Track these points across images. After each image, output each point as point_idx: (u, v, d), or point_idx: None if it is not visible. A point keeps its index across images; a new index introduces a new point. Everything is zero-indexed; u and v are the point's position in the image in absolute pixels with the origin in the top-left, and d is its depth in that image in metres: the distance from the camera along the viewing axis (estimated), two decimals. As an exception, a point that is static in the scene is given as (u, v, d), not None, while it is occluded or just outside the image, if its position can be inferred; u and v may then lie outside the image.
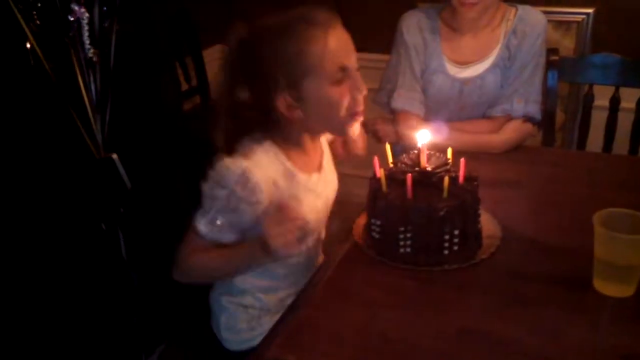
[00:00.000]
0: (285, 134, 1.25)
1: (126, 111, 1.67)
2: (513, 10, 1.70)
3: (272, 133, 1.25)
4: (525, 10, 1.70)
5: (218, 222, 1.20)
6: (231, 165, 1.18)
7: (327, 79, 1.17)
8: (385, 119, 1.77)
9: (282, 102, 1.19)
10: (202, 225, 1.21)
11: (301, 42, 1.15)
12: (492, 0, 1.63)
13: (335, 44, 1.17)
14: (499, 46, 1.70)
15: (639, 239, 1.03)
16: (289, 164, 1.24)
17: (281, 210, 1.11)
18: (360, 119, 1.24)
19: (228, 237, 1.22)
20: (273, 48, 1.16)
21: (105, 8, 1.68)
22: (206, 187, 1.21)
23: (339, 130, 1.26)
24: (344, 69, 1.18)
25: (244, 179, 1.17)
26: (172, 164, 1.58)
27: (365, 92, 1.21)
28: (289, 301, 1.32)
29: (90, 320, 1.84)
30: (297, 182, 1.26)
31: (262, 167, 1.20)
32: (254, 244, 1.15)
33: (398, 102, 1.74)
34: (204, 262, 1.23)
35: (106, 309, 1.84)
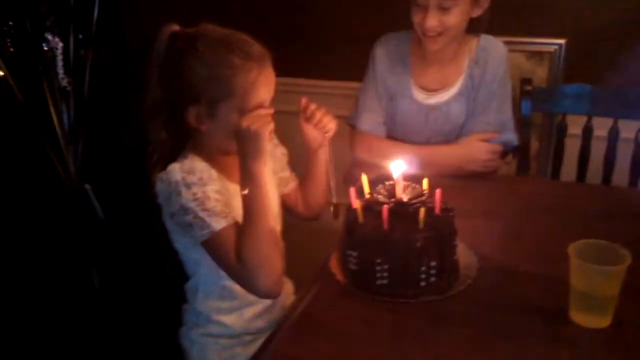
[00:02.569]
0: (204, 143, 1.27)
1: (101, 141, 1.64)
2: (475, 40, 1.73)
3: (193, 145, 1.27)
4: (486, 40, 1.74)
5: (216, 209, 1.18)
6: (167, 171, 1.21)
7: (242, 109, 1.20)
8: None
9: (192, 113, 1.22)
10: (207, 229, 1.18)
11: (231, 69, 1.19)
12: (455, 33, 1.65)
13: (261, 79, 1.22)
14: (463, 75, 1.73)
15: (614, 270, 1.03)
16: (214, 172, 1.25)
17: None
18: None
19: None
20: (203, 65, 1.19)
21: (81, 36, 1.67)
22: (170, 210, 1.21)
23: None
24: (261, 103, 1.22)
25: (187, 168, 1.21)
26: (148, 195, 1.55)
27: (272, 126, 1.23)
28: (256, 323, 1.34)
29: (61, 355, 1.79)
30: (228, 191, 1.26)
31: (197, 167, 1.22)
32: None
33: (364, 124, 1.78)
34: (248, 241, 1.17)
35: (78, 343, 1.79)
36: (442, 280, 1.19)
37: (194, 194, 1.18)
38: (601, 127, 1.97)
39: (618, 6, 2.31)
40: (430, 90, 1.76)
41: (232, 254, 1.17)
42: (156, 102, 1.24)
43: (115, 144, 1.82)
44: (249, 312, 1.36)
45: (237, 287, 1.31)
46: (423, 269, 1.17)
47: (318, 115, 1.36)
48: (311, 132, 1.40)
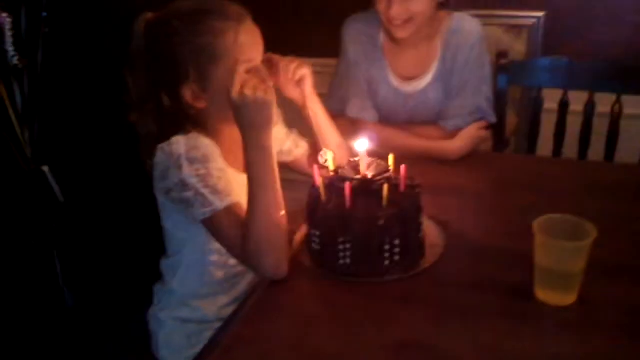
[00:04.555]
0: (205, 126, 1.23)
1: (60, 121, 1.59)
2: (447, 21, 1.66)
3: (196, 124, 1.22)
4: (458, 21, 1.66)
5: (218, 187, 1.14)
6: (170, 143, 1.16)
7: (231, 70, 1.15)
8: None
9: (188, 91, 1.19)
10: (209, 207, 1.13)
11: (212, 34, 1.16)
12: (423, 18, 1.58)
13: (245, 38, 1.18)
14: (437, 60, 1.67)
15: (578, 246, 1.00)
16: (218, 150, 1.21)
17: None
18: None
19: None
20: (183, 39, 1.16)
21: (44, 14, 1.61)
22: (166, 185, 1.17)
23: None
24: (250, 63, 1.17)
25: (192, 143, 1.16)
26: (111, 176, 1.52)
27: (271, 84, 1.18)
28: (228, 310, 1.29)
29: (20, 342, 1.74)
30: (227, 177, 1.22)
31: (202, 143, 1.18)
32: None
33: (353, 111, 1.71)
34: (256, 220, 1.12)
35: (37, 329, 1.75)
36: (407, 259, 1.16)
37: (197, 169, 1.14)
38: (577, 101, 1.94)
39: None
40: (406, 77, 1.70)
41: (236, 235, 1.13)
42: (142, 94, 1.22)
43: (75, 123, 1.77)
44: (224, 299, 1.34)
45: (219, 274, 1.30)
46: (386, 247, 1.13)
47: (283, 65, 1.32)
48: (288, 89, 1.35)
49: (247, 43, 1.19)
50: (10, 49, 1.40)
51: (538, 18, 2.41)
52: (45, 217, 1.63)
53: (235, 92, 1.12)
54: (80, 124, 1.79)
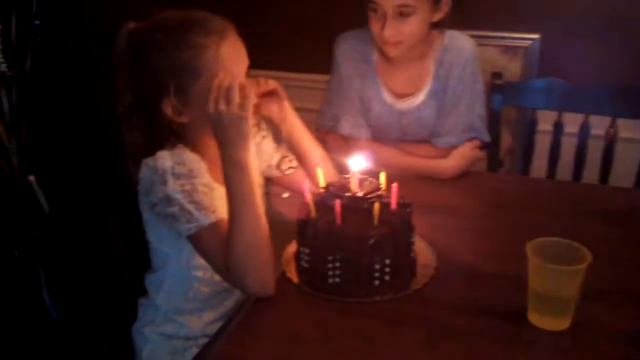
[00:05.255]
0: (190, 140, 1.21)
1: (47, 130, 1.56)
2: (440, 39, 1.65)
3: (180, 138, 1.21)
4: (451, 38, 1.65)
5: (204, 203, 1.12)
6: (156, 158, 1.15)
7: (210, 85, 1.13)
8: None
9: (169, 106, 1.17)
10: (194, 222, 1.12)
11: (192, 50, 1.14)
12: (416, 39, 1.57)
13: (227, 52, 1.17)
14: (430, 78, 1.66)
15: (573, 270, 0.98)
16: (204, 166, 1.19)
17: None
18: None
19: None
20: (163, 54, 1.15)
21: (37, 22, 1.60)
22: (151, 200, 1.15)
23: None
24: (233, 77, 1.15)
25: (177, 158, 1.15)
26: (98, 187, 1.48)
27: (255, 100, 1.17)
28: (214, 327, 1.26)
29: (2, 354, 1.70)
30: (214, 192, 1.19)
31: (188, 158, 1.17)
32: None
33: (345, 128, 1.69)
34: (236, 242, 1.09)
35: (20, 341, 1.70)
36: (397, 279, 1.14)
37: (182, 185, 1.13)
38: (572, 123, 1.93)
39: (593, 1, 2.28)
40: (400, 94, 1.69)
41: (220, 252, 1.11)
42: (127, 105, 1.20)
43: (62, 133, 1.74)
44: (210, 315, 1.31)
45: (205, 290, 1.28)
46: (377, 267, 1.11)
47: (251, 80, 1.28)
48: (262, 104, 1.32)
49: (229, 58, 1.17)
50: (-2, 55, 1.38)
51: (534, 40, 2.41)
52: (30, 228, 1.60)
53: (209, 107, 1.10)
54: (68, 134, 1.76)
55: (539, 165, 2.01)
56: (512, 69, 2.45)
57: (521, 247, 1.03)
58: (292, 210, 1.20)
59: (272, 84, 1.32)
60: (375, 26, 1.55)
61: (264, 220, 1.13)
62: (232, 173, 1.12)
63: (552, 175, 1.97)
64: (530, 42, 2.41)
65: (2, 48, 1.38)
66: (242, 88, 1.14)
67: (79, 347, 1.69)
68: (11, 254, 1.59)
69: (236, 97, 1.10)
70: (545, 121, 1.97)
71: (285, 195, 1.40)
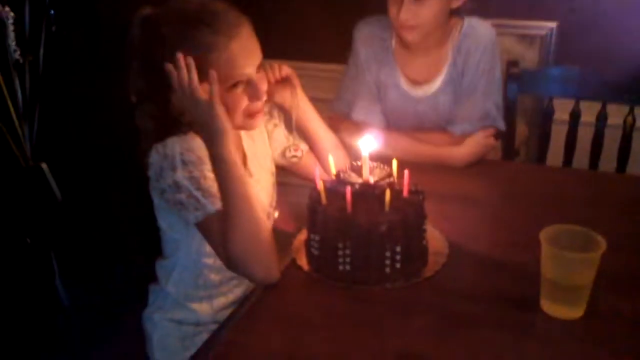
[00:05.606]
0: (197, 129, 1.19)
1: (60, 117, 1.57)
2: (459, 26, 1.63)
3: (190, 128, 1.19)
4: (470, 25, 1.63)
5: (211, 190, 1.12)
6: (165, 144, 1.14)
7: (222, 84, 1.14)
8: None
9: (175, 99, 1.16)
10: (201, 210, 1.12)
11: (200, 49, 1.12)
12: (433, 25, 1.56)
13: (236, 53, 1.14)
14: (447, 64, 1.64)
15: (587, 257, 0.97)
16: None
17: None
18: (258, 116, 1.22)
19: None
20: (170, 49, 1.12)
21: (52, 12, 1.60)
22: (160, 186, 1.15)
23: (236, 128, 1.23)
24: (241, 77, 1.16)
25: (187, 145, 1.14)
26: (110, 175, 1.49)
27: (264, 98, 1.18)
28: (224, 313, 1.27)
29: (14, 340, 1.71)
30: None
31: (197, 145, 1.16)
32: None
33: (359, 114, 1.68)
34: (231, 235, 1.09)
35: (32, 328, 1.72)
36: (408, 266, 1.13)
37: (190, 171, 1.12)
38: (589, 111, 1.90)
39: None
40: (416, 81, 1.67)
41: (219, 244, 1.12)
42: (140, 91, 1.20)
43: (75, 120, 1.74)
44: (220, 301, 1.31)
45: (215, 277, 1.28)
46: (387, 254, 1.10)
47: (267, 66, 1.28)
48: (276, 91, 1.32)
49: (237, 59, 1.15)
50: (12, 43, 1.38)
51: (551, 28, 2.37)
52: (42, 215, 1.60)
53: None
54: (80, 121, 1.76)
55: (555, 155, 1.98)
56: (529, 57, 2.43)
57: (535, 236, 1.01)
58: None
59: (285, 70, 1.31)
60: (392, 9, 1.54)
61: (257, 211, 1.12)
62: (217, 168, 1.12)
63: (569, 165, 1.94)
64: (547, 30, 2.38)
65: (15, 36, 1.38)
66: (253, 86, 1.15)
67: (90, 333, 1.71)
68: (23, 241, 1.60)
69: (200, 94, 1.10)
70: (562, 110, 1.95)
71: (276, 214, 1.40)
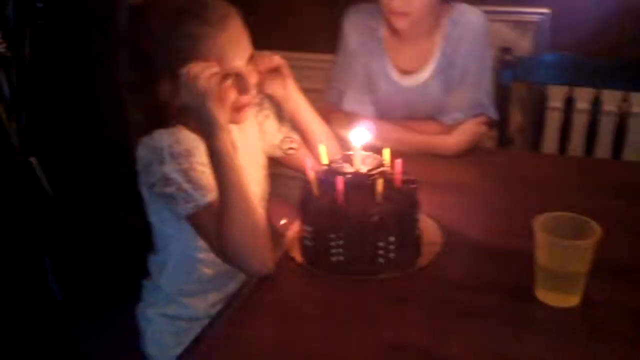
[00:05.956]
0: (188, 121, 1.18)
1: (49, 110, 1.54)
2: (448, 13, 1.61)
3: (179, 118, 1.18)
4: (460, 12, 1.61)
5: (201, 182, 1.11)
6: (152, 137, 1.13)
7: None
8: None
9: (163, 89, 1.14)
10: (192, 202, 1.10)
11: (187, 40, 1.11)
12: (425, 11, 1.54)
13: (226, 44, 1.13)
14: (437, 53, 1.62)
15: (582, 245, 0.95)
16: (202, 145, 1.15)
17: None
18: (246, 109, 1.21)
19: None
20: (158, 39, 1.11)
21: (40, 5, 1.58)
22: (149, 180, 1.13)
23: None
24: (230, 70, 1.13)
25: (174, 137, 1.13)
26: (101, 169, 1.47)
27: (253, 92, 1.17)
28: (217, 308, 1.23)
29: (7, 336, 1.70)
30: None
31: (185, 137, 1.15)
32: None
33: (349, 104, 1.66)
34: (226, 229, 1.08)
35: (25, 323, 1.70)
36: (402, 256, 1.11)
37: (179, 164, 1.11)
38: (583, 98, 1.88)
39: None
40: (406, 71, 1.65)
41: (212, 237, 1.10)
42: (129, 83, 1.18)
43: (64, 114, 1.72)
44: (214, 296, 1.30)
45: (208, 272, 1.27)
46: (381, 244, 1.09)
47: (256, 55, 1.25)
48: (266, 82, 1.29)
49: (227, 50, 1.13)
50: (-3, 36, 1.36)
51: (545, 14, 2.35)
52: (33, 211, 1.59)
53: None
54: (70, 115, 1.74)
55: (550, 143, 1.97)
56: (523, 45, 2.40)
57: (529, 224, 1.00)
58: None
59: (276, 60, 1.29)
60: None
61: (253, 202, 1.11)
62: (212, 159, 1.10)
63: (563, 152, 1.93)
64: (541, 16, 2.36)
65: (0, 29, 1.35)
66: (242, 79, 1.13)
67: (84, 328, 1.70)
68: (16, 237, 1.59)
69: (199, 87, 1.07)
70: (556, 97, 1.93)
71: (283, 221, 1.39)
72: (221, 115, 1.09)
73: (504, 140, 1.97)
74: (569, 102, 1.89)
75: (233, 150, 1.12)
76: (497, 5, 2.33)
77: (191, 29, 1.11)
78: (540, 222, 0.98)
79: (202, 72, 1.07)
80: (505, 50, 1.94)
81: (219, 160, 1.09)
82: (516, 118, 2.25)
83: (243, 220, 1.08)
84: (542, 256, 0.99)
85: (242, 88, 1.17)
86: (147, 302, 1.34)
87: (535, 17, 2.37)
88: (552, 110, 1.95)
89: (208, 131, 1.09)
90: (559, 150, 1.94)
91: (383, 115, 1.67)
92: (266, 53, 1.27)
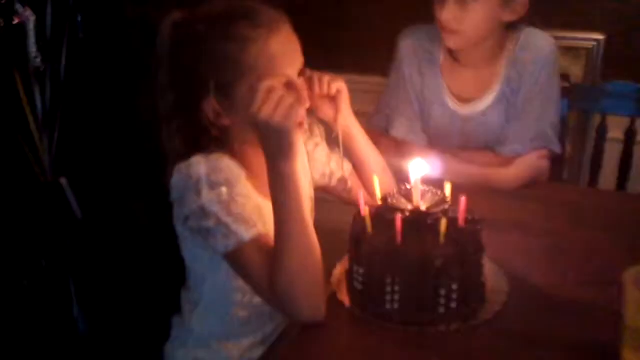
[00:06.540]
0: (229, 146, 1.09)
1: (80, 130, 1.48)
2: (516, 37, 1.53)
3: (219, 144, 1.08)
4: (528, 36, 1.52)
5: (244, 215, 1.01)
6: (189, 164, 1.03)
7: (255, 86, 1.01)
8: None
9: (208, 108, 1.06)
10: (233, 239, 1.00)
11: (238, 42, 1.03)
12: (478, 32, 1.46)
13: (277, 49, 1.04)
14: (500, 80, 1.53)
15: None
16: (244, 174, 1.07)
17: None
18: (300, 126, 1.09)
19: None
20: (205, 46, 1.04)
21: (79, 18, 1.52)
22: (184, 212, 1.04)
23: None
24: (282, 77, 1.05)
25: (213, 165, 1.03)
26: (134, 193, 1.39)
27: (307, 105, 1.07)
28: (253, 353, 1.16)
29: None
30: (254, 205, 1.07)
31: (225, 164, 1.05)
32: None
33: (399, 131, 1.58)
34: (284, 266, 0.98)
35: (46, 356, 1.62)
36: (465, 306, 1.00)
37: (219, 195, 1.01)
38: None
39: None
40: (464, 98, 1.57)
41: (264, 272, 0.99)
42: (169, 107, 1.09)
43: (96, 133, 1.65)
44: (249, 340, 1.19)
45: (244, 314, 1.16)
46: (442, 292, 0.98)
47: (316, 78, 1.18)
48: (322, 107, 1.22)
49: (279, 56, 1.05)
50: (32, 49, 1.30)
51: (598, 40, 2.25)
52: (60, 235, 1.52)
53: (252, 112, 0.98)
54: (104, 135, 1.68)
55: (604, 177, 1.86)
56: (574, 71, 2.31)
57: (606, 271, 0.91)
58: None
59: (336, 87, 1.20)
60: (436, 10, 1.45)
61: (314, 238, 1.01)
62: (277, 186, 1.00)
63: (622, 188, 1.81)
64: (594, 42, 2.26)
65: (35, 41, 1.29)
66: (295, 90, 1.04)
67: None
68: (40, 263, 1.51)
69: (284, 107, 0.97)
70: (615, 128, 1.83)
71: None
72: (298, 135, 1.01)
73: (557, 174, 1.85)
74: (630, 133, 1.78)
75: (304, 177, 1.02)
76: (550, 30, 2.24)
77: (241, 30, 1.04)
78: (631, 276, 0.86)
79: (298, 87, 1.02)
80: (562, 77, 1.83)
81: (283, 186, 0.99)
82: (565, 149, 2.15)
83: (302, 258, 0.98)
84: (634, 315, 0.86)
85: (297, 100, 1.05)
86: (177, 342, 1.24)
87: (589, 43, 2.27)
88: (609, 141, 1.84)
89: (278, 153, 0.99)
90: (617, 185, 1.82)
91: (435, 144, 1.57)
92: (325, 75, 1.18)
